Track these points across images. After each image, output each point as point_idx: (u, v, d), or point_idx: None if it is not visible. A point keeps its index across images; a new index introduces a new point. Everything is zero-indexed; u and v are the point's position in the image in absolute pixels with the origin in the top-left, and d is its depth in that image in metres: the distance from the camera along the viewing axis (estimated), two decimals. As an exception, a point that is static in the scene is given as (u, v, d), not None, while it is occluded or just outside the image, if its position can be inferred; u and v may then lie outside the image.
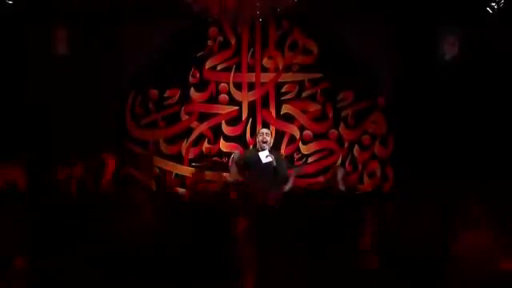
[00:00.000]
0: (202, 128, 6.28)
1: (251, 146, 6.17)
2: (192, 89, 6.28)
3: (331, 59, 6.21)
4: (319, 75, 6.25)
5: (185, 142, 6.27)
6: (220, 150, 6.27)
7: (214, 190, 5.31)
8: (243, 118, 6.27)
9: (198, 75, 6.28)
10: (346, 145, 6.25)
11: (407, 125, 6.02)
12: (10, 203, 3.12)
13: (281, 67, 6.27)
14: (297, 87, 6.27)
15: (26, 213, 2.72)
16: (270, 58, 6.29)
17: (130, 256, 2.26)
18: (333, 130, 6.26)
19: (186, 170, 6.24)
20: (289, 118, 6.29)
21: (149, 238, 2.35)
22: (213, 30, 6.27)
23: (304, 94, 6.27)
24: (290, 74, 6.29)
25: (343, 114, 6.26)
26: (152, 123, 6.29)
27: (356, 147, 6.26)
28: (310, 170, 6.25)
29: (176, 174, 6.24)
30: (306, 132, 6.27)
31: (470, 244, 2.41)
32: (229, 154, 6.25)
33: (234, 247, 2.36)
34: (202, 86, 6.29)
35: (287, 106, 6.28)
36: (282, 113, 6.28)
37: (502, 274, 2.29)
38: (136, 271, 2.22)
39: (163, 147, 6.27)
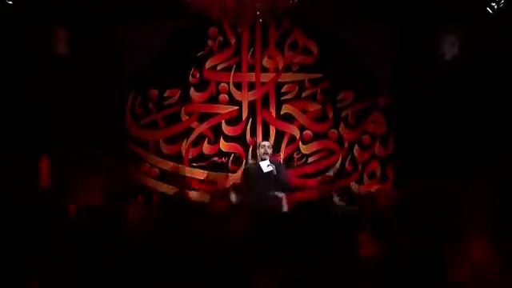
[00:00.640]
0: (202, 128, 6.28)
1: (250, 147, 6.17)
2: (192, 89, 6.28)
3: (331, 59, 6.21)
4: (319, 75, 6.25)
5: (185, 142, 6.27)
6: (220, 149, 6.28)
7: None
8: (243, 118, 6.27)
9: (197, 75, 6.28)
10: (346, 145, 6.25)
11: (407, 125, 6.03)
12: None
13: (281, 67, 6.27)
14: (297, 87, 6.27)
15: None
16: (269, 57, 6.29)
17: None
18: (333, 130, 6.26)
19: (186, 170, 6.24)
20: (289, 118, 6.29)
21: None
22: (213, 30, 6.27)
23: (304, 94, 6.27)
24: (290, 73, 6.29)
25: (343, 114, 6.26)
26: (152, 123, 6.28)
27: (356, 147, 6.26)
28: (309, 170, 6.26)
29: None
30: (306, 132, 6.27)
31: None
32: (229, 154, 6.26)
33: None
34: (202, 85, 6.29)
35: (287, 105, 6.28)
36: (281, 113, 6.28)
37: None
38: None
39: (163, 147, 6.26)
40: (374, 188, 6.21)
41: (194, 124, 6.29)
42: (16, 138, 5.81)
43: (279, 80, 6.28)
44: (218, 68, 6.30)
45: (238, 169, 6.17)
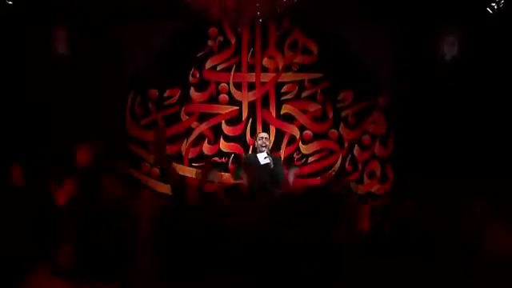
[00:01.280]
0: (202, 128, 6.28)
1: (250, 148, 6.17)
2: (192, 89, 6.28)
3: (331, 59, 6.21)
4: (319, 75, 6.25)
5: (185, 142, 6.28)
6: (220, 149, 6.28)
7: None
8: (243, 118, 6.28)
9: (197, 75, 6.28)
10: (346, 145, 6.26)
11: (407, 125, 6.03)
12: None
13: (281, 67, 6.28)
14: (297, 87, 6.27)
15: None
16: (270, 57, 6.29)
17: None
18: (333, 130, 6.26)
19: (186, 170, 6.25)
20: (289, 118, 6.29)
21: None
22: (213, 30, 6.27)
23: (304, 94, 6.28)
24: (290, 73, 6.29)
25: (343, 114, 6.26)
26: (152, 123, 6.29)
27: (356, 147, 6.27)
28: (309, 170, 6.26)
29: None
30: (306, 132, 6.27)
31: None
32: (229, 154, 6.26)
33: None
34: (202, 86, 6.29)
35: (287, 105, 6.29)
36: (282, 113, 6.29)
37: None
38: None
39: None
40: (374, 188, 6.23)
41: (194, 124, 6.29)
42: (16, 138, 5.81)
43: (279, 80, 6.28)
44: (218, 68, 6.30)
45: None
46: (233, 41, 6.31)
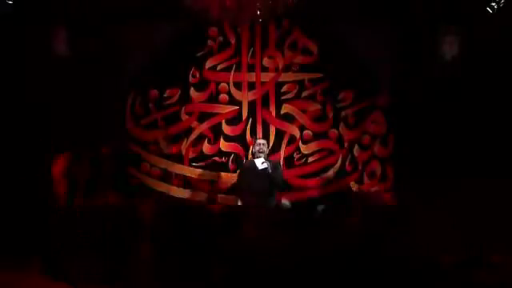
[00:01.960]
0: (202, 128, 6.28)
1: (250, 148, 6.17)
2: (192, 89, 6.28)
3: (331, 59, 6.21)
4: (319, 75, 6.25)
5: (185, 142, 6.27)
6: (220, 149, 6.28)
7: None
8: (243, 118, 6.27)
9: (197, 75, 6.28)
10: (345, 145, 6.25)
11: (407, 125, 6.03)
12: None
13: (281, 67, 6.27)
14: (297, 87, 6.27)
15: None
16: (269, 57, 6.29)
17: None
18: (333, 130, 6.26)
19: (186, 170, 6.25)
20: (289, 118, 6.29)
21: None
22: (213, 30, 6.27)
23: (304, 94, 6.27)
24: (289, 73, 6.29)
25: (343, 114, 6.26)
26: (152, 123, 6.29)
27: (356, 147, 6.26)
28: (310, 170, 6.26)
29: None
30: (306, 132, 6.27)
31: None
32: (229, 154, 6.26)
33: None
34: (202, 85, 6.29)
35: (287, 105, 6.28)
36: (282, 113, 6.28)
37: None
38: None
39: (163, 147, 6.26)
40: (374, 188, 6.23)
41: (194, 124, 6.29)
42: (16, 138, 5.81)
43: (279, 80, 6.28)
44: (218, 68, 6.30)
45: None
46: (233, 41, 6.30)
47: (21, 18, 5.77)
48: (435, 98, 5.89)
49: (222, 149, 6.28)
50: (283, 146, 6.26)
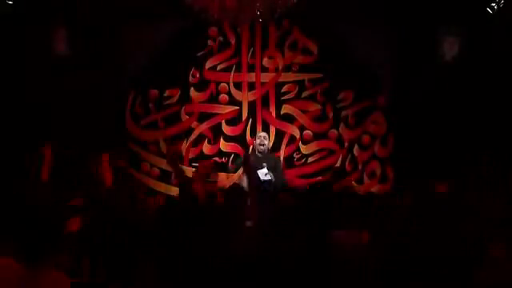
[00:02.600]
0: (202, 128, 6.28)
1: (250, 148, 6.16)
2: (192, 89, 6.28)
3: (331, 59, 6.21)
4: (319, 75, 6.25)
5: (185, 142, 6.27)
6: (220, 149, 6.28)
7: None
8: (243, 118, 6.27)
9: (197, 75, 6.28)
10: (345, 145, 6.25)
11: (407, 125, 6.03)
12: None
13: (281, 67, 6.27)
14: (297, 87, 6.27)
15: None
16: (270, 57, 6.29)
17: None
18: (333, 130, 6.26)
19: (186, 170, 6.24)
20: (289, 118, 6.28)
21: None
22: (213, 30, 6.27)
23: (304, 94, 6.27)
24: (290, 73, 6.29)
25: (343, 113, 6.25)
26: (152, 123, 6.28)
27: (356, 147, 6.26)
28: (310, 170, 6.26)
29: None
30: (306, 132, 6.27)
31: None
32: (229, 154, 6.26)
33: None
34: (202, 85, 6.29)
35: (287, 105, 6.28)
36: (282, 113, 6.28)
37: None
38: None
39: (163, 147, 6.26)
40: (374, 188, 6.22)
41: (194, 124, 6.29)
42: (16, 138, 5.80)
43: (279, 80, 6.28)
44: (218, 68, 6.30)
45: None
46: (233, 41, 6.30)
47: (21, 18, 5.77)
48: (435, 98, 5.88)
49: (222, 149, 6.28)
50: (283, 146, 6.26)
